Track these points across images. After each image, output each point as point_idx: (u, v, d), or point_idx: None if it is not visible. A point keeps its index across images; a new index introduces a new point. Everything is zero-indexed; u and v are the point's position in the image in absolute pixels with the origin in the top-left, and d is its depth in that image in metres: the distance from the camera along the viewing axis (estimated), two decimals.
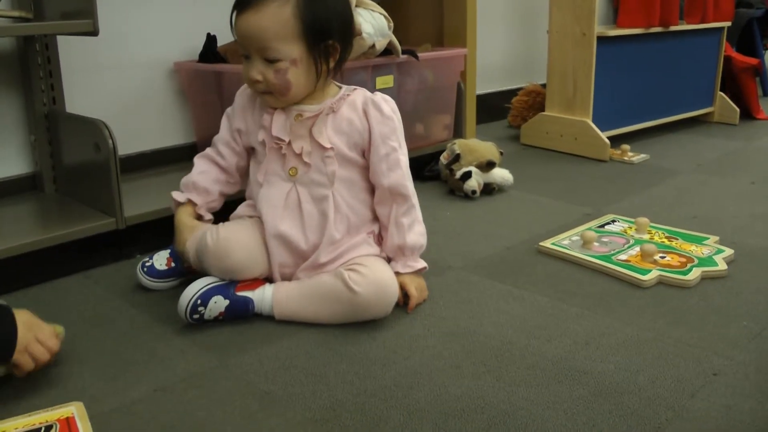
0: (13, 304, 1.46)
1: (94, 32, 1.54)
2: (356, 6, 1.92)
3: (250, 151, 1.50)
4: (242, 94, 1.50)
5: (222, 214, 1.54)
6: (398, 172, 1.43)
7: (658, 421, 1.05)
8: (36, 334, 1.15)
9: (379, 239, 1.47)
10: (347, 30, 1.42)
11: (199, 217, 1.51)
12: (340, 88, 1.47)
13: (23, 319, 1.15)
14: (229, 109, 1.53)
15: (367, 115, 1.42)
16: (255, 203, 1.44)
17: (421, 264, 1.46)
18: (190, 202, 1.50)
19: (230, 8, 1.38)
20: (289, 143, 1.40)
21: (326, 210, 1.39)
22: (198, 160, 1.54)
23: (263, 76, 1.35)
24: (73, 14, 1.58)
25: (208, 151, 1.54)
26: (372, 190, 1.47)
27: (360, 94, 1.45)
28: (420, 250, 1.46)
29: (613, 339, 1.29)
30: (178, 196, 1.51)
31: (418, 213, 1.47)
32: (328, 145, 1.39)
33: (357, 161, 1.44)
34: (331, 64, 1.40)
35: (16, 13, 1.65)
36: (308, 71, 1.37)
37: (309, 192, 1.41)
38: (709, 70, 3.15)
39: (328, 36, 1.36)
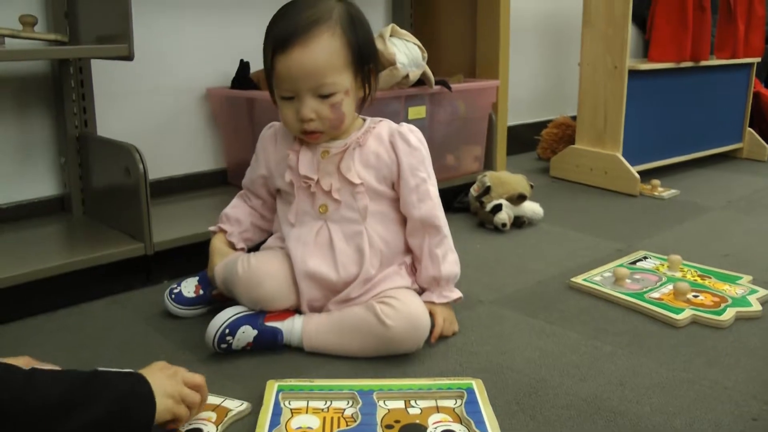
0: (39, 329, 1.46)
1: (129, 57, 1.55)
2: (391, 36, 1.92)
3: (277, 193, 1.48)
4: (262, 138, 1.48)
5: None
6: (429, 203, 1.41)
7: None
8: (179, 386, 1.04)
9: (412, 269, 1.45)
10: (377, 54, 1.42)
11: (232, 245, 1.51)
12: (364, 120, 1.45)
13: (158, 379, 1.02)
14: (254, 155, 1.51)
15: (394, 146, 1.39)
16: (284, 241, 1.42)
17: (457, 294, 1.44)
18: (221, 230, 1.52)
19: (263, 34, 1.34)
20: (318, 181, 1.38)
21: (361, 245, 1.36)
22: (235, 198, 1.56)
23: (317, 114, 1.32)
24: (109, 38, 1.58)
25: (242, 192, 1.55)
26: (403, 221, 1.44)
27: (385, 126, 1.42)
28: (455, 280, 1.44)
29: (648, 379, 1.26)
30: (211, 227, 1.54)
31: (450, 242, 1.44)
32: (357, 181, 1.37)
33: (387, 194, 1.41)
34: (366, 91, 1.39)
35: (52, 36, 1.66)
36: (354, 99, 1.37)
37: (341, 229, 1.38)
38: (739, 106, 3.13)
39: (369, 59, 1.35)
